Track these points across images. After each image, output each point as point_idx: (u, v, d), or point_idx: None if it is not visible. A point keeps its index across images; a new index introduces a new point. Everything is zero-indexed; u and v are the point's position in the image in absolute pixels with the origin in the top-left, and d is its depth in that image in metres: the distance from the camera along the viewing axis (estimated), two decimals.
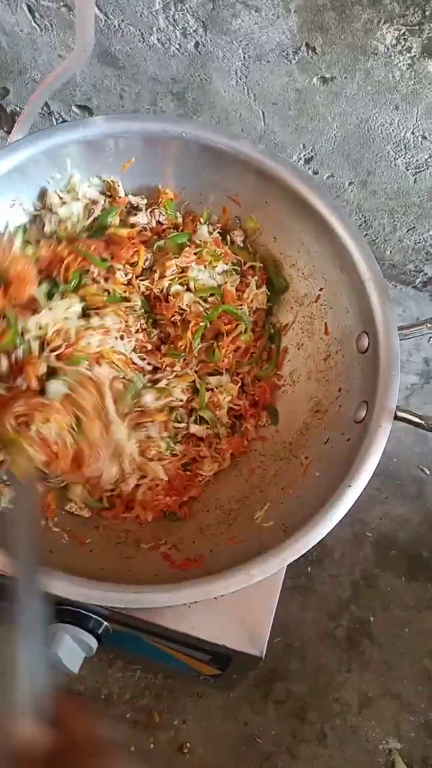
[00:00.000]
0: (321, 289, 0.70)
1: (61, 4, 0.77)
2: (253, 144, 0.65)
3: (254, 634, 0.67)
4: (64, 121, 0.95)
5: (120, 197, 0.70)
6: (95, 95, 0.88)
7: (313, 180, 0.65)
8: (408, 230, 0.93)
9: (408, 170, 0.82)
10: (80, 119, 0.81)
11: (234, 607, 0.66)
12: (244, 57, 0.74)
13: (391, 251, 1.00)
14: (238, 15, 0.69)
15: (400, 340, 0.63)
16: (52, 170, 0.66)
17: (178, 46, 0.76)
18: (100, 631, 0.66)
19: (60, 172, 0.66)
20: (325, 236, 0.66)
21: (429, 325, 0.63)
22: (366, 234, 0.97)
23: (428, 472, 1.00)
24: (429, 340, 1.07)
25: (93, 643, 0.66)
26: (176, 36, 0.75)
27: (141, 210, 0.71)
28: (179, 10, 0.71)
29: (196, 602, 0.53)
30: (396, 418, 0.60)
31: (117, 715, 0.84)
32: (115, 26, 0.76)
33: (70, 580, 0.51)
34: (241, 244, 0.73)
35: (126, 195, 0.70)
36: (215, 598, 0.53)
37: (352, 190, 0.89)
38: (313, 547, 0.56)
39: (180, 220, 0.72)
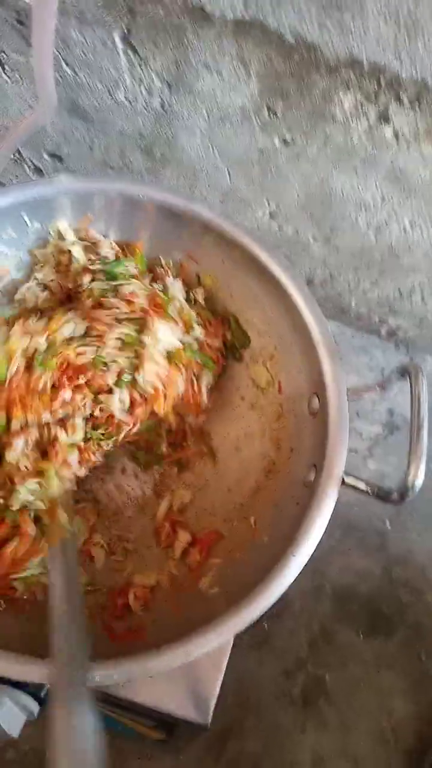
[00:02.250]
0: (275, 348, 0.70)
1: (30, 57, 0.78)
2: (209, 206, 0.65)
3: (200, 700, 0.66)
4: (36, 167, 0.96)
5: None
6: (66, 145, 0.89)
7: (266, 242, 0.65)
8: (371, 284, 0.94)
9: (369, 229, 0.83)
10: (38, 179, 0.82)
11: (180, 673, 0.64)
12: (208, 117, 0.75)
13: (356, 303, 1.00)
14: (201, 77, 0.71)
15: (351, 402, 0.63)
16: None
17: (144, 104, 0.77)
18: (42, 694, 0.65)
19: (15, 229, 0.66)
20: (278, 297, 0.66)
21: (378, 389, 0.63)
22: (332, 286, 0.98)
23: (389, 523, 1.00)
24: (393, 395, 1.08)
25: (34, 706, 0.64)
26: (142, 94, 0.76)
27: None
28: (144, 70, 0.73)
29: None
30: (343, 483, 0.60)
31: None
32: (82, 82, 0.77)
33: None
34: (203, 303, 0.73)
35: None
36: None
37: (316, 246, 0.90)
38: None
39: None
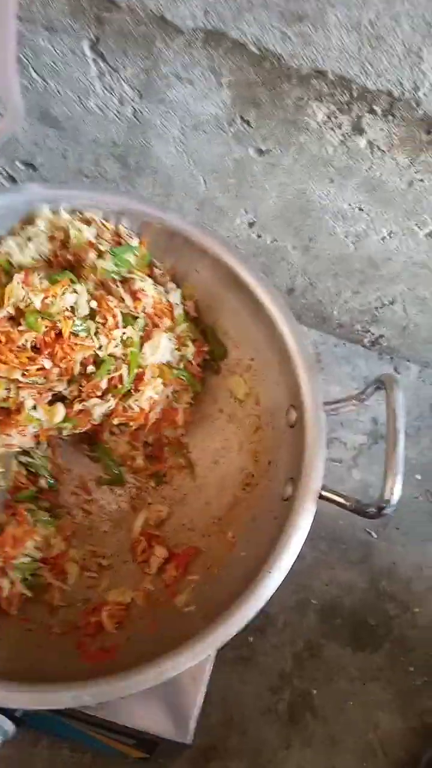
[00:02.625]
0: (252, 359, 0.69)
1: None
2: (180, 215, 0.64)
3: (180, 719, 0.64)
4: (9, 176, 0.94)
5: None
6: (39, 153, 0.88)
7: (240, 253, 0.65)
8: (352, 293, 0.94)
9: (347, 238, 0.82)
10: (12, 186, 0.81)
11: (158, 691, 0.63)
12: (181, 126, 0.75)
13: (338, 312, 1.00)
14: (172, 86, 0.70)
15: (328, 415, 0.62)
16: None
17: (116, 112, 0.76)
18: (18, 714, 0.63)
19: None
20: (253, 308, 0.66)
21: (355, 402, 0.62)
22: (313, 295, 0.97)
23: (375, 535, 0.98)
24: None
25: (9, 726, 0.63)
26: (114, 102, 0.75)
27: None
28: (114, 79, 0.72)
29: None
30: (321, 497, 0.59)
31: None
32: (52, 89, 0.76)
33: None
34: (195, 315, 0.71)
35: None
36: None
37: (296, 254, 0.89)
38: (254, 617, 0.53)
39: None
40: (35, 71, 0.75)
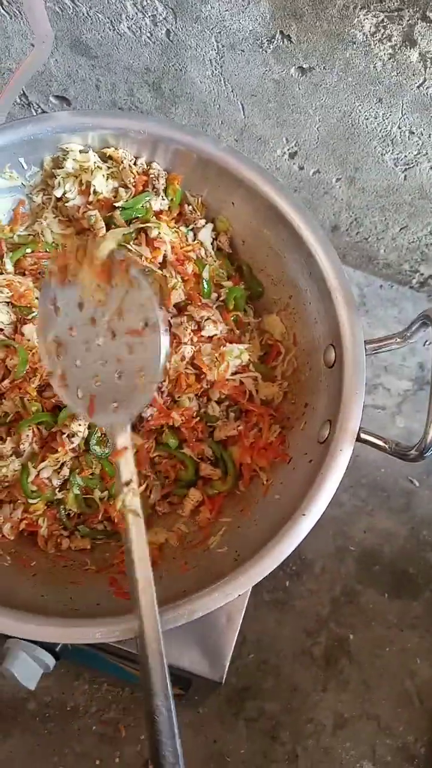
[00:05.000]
0: (290, 297, 0.66)
1: None
2: (213, 141, 0.60)
3: (215, 658, 0.65)
4: (43, 111, 0.91)
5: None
6: (71, 86, 0.84)
7: (278, 182, 0.60)
8: (401, 229, 0.88)
9: (397, 167, 0.77)
10: (42, 114, 0.78)
11: (195, 630, 0.63)
12: (217, 46, 0.70)
13: (384, 250, 0.94)
14: (207, 1, 0.65)
15: (368, 355, 0.58)
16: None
17: (149, 35, 0.72)
18: (57, 649, 0.64)
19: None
20: (293, 242, 0.62)
21: (398, 339, 0.58)
22: (358, 232, 0.92)
23: (417, 484, 0.95)
24: (425, 344, 1.02)
25: (50, 660, 0.64)
26: (146, 24, 0.70)
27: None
28: None
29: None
30: (359, 439, 0.56)
31: (83, 728, 0.82)
32: (83, 14, 0.72)
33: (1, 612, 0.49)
34: (229, 251, 0.68)
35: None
36: None
37: (340, 187, 0.84)
38: (290, 559, 0.52)
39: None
40: None
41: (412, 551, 0.92)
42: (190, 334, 0.59)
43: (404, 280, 1.00)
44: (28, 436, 0.59)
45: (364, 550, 0.92)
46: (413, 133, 0.71)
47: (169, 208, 0.65)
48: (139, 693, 0.82)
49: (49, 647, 0.64)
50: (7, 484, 0.59)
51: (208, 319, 0.59)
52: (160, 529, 0.63)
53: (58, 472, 0.60)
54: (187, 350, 0.58)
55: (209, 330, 0.59)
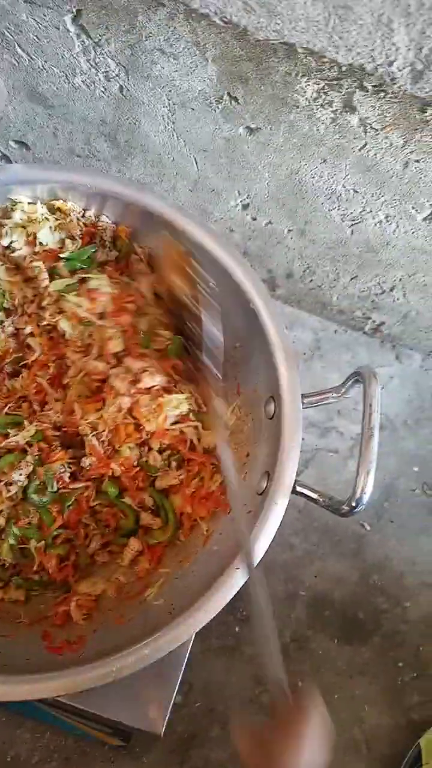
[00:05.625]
0: (235, 347, 0.67)
1: None
2: (159, 196, 0.62)
3: (154, 710, 0.64)
4: (2, 155, 0.93)
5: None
6: (30, 132, 0.86)
7: (220, 236, 0.62)
8: (351, 279, 0.90)
9: (344, 222, 0.79)
10: None
11: (133, 682, 0.62)
12: (168, 103, 0.72)
13: (337, 297, 0.97)
14: (156, 62, 0.67)
15: (306, 408, 0.60)
16: None
17: (103, 89, 0.74)
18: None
19: None
20: (234, 294, 0.63)
21: (334, 394, 0.60)
22: (311, 279, 0.94)
23: (368, 528, 0.96)
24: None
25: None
26: (100, 79, 0.72)
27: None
28: (99, 54, 0.69)
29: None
30: (294, 492, 0.57)
31: None
32: (39, 66, 0.74)
33: None
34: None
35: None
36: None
37: (291, 237, 0.86)
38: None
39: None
40: (20, 47, 0.72)
41: (362, 596, 0.92)
42: (127, 385, 0.59)
43: (357, 326, 1.02)
44: None
45: (315, 595, 0.92)
46: (357, 192, 0.73)
47: (116, 258, 0.67)
48: (83, 743, 0.81)
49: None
50: None
51: (146, 371, 0.60)
52: (98, 579, 0.62)
53: None
54: (125, 401, 0.59)
55: (147, 381, 0.60)
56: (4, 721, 0.82)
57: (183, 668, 0.65)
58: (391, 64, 0.52)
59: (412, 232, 0.77)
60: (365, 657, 0.89)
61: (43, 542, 0.60)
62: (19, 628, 0.58)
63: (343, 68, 0.59)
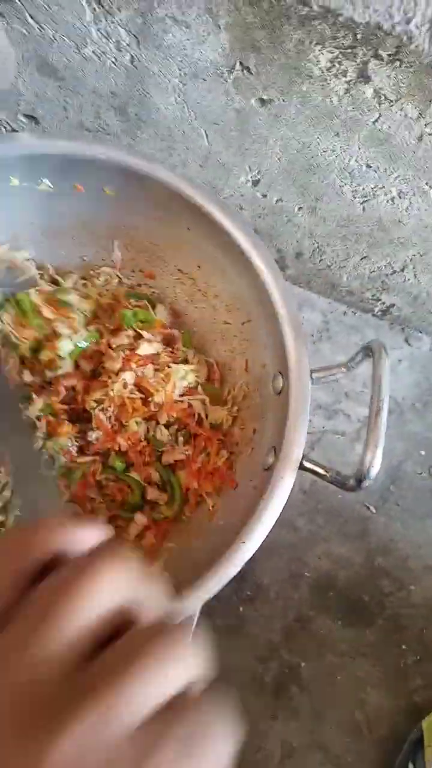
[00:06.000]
0: (243, 323, 0.66)
1: None
2: (169, 167, 0.61)
3: None
4: (12, 130, 0.92)
5: None
6: (39, 105, 0.85)
7: (229, 208, 0.61)
8: (362, 258, 0.89)
9: (355, 199, 0.78)
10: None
11: None
12: (180, 74, 0.71)
13: (347, 278, 0.95)
14: (168, 30, 0.66)
15: (314, 384, 0.59)
16: None
17: (113, 60, 0.73)
18: None
19: None
20: (244, 268, 0.62)
21: (343, 368, 0.59)
22: (321, 259, 0.93)
23: (374, 510, 0.96)
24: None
25: None
26: (110, 49, 0.71)
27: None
28: (110, 23, 0.68)
29: None
30: (301, 467, 0.56)
31: None
32: (50, 36, 0.73)
33: None
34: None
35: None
36: None
37: (302, 215, 0.85)
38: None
39: None
40: (31, 16, 0.71)
41: (366, 578, 0.92)
42: (121, 362, 0.59)
43: (367, 307, 1.01)
44: None
45: (319, 576, 0.92)
46: (370, 167, 0.72)
47: None
48: None
49: None
50: None
51: (141, 337, 0.60)
52: None
53: None
54: (128, 377, 0.59)
55: (144, 349, 0.59)
56: None
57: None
58: (409, 21, 0.51)
59: (425, 210, 0.75)
60: (368, 639, 0.89)
61: None
62: None
63: (359, 35, 0.58)
